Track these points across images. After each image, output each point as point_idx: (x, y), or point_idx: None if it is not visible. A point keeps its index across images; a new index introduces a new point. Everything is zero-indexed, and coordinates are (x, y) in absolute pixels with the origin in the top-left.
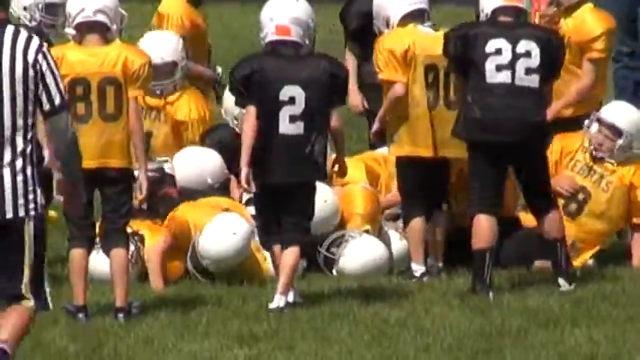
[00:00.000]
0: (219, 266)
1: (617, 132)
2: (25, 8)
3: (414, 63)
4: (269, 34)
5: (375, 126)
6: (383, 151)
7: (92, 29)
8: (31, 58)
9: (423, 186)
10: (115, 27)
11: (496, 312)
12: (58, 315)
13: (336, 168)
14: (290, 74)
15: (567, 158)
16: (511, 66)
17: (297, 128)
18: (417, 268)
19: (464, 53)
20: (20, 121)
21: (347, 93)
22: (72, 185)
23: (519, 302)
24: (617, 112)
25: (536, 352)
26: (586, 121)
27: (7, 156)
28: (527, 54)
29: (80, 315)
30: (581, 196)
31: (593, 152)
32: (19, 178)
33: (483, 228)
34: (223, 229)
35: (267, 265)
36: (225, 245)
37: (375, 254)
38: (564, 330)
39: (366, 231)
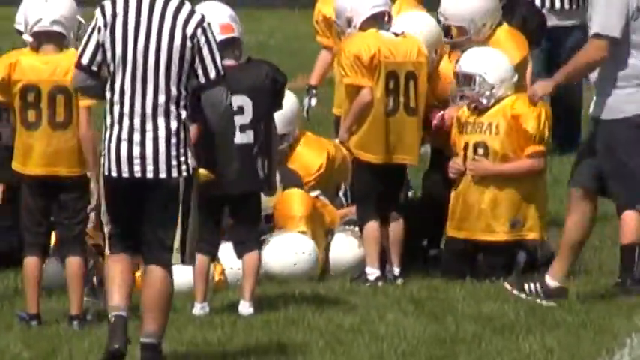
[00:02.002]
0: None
1: (468, 78)
2: None
3: (378, 69)
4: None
5: (343, 137)
6: None
7: (49, 38)
8: (189, 31)
9: (376, 190)
10: (71, 36)
11: (450, 318)
12: (12, 321)
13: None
14: (236, 84)
15: (457, 124)
16: None
17: (246, 138)
18: (372, 272)
19: None
20: (174, 89)
21: (284, 97)
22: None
23: (474, 308)
24: (464, 58)
25: (490, 359)
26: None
27: (161, 121)
28: None
29: (33, 322)
30: (481, 152)
31: (470, 106)
32: (173, 141)
33: (629, 223)
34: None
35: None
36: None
37: (298, 248)
38: (519, 336)
39: (302, 232)
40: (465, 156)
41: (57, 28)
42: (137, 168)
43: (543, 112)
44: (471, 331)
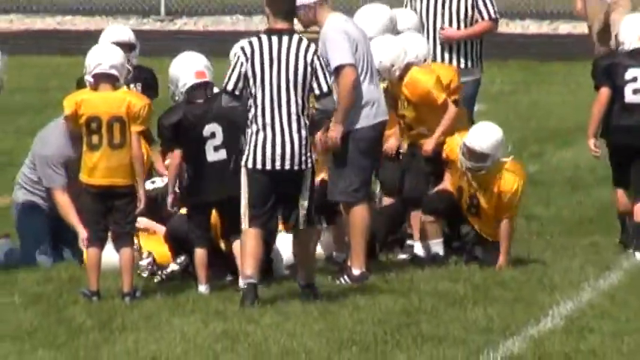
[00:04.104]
0: None
1: (481, 157)
2: None
3: None
4: (189, 81)
5: None
6: None
7: (106, 79)
8: (309, 58)
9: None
10: (122, 78)
11: (414, 294)
12: (77, 297)
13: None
14: (207, 115)
15: (453, 162)
16: None
17: (221, 154)
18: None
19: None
20: (301, 101)
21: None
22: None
23: (432, 286)
24: (475, 136)
25: (445, 326)
26: (457, 149)
27: (295, 125)
28: None
29: (94, 298)
30: (475, 202)
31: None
32: (303, 142)
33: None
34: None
35: None
36: None
37: None
38: (467, 308)
39: None
40: (461, 197)
41: (113, 71)
42: (278, 163)
43: (520, 188)
44: (430, 304)
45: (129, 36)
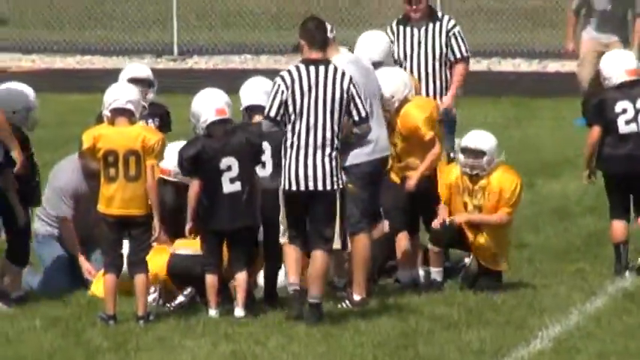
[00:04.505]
0: None
1: (480, 153)
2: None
3: None
4: (209, 117)
5: None
6: None
7: (122, 114)
8: (345, 86)
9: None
10: (138, 114)
11: (411, 318)
12: (95, 320)
13: None
14: (225, 149)
15: (452, 188)
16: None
17: (236, 186)
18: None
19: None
20: (335, 127)
21: (262, 153)
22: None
23: (429, 310)
24: (475, 138)
25: (441, 348)
26: (451, 154)
27: (328, 149)
28: None
29: (111, 321)
30: (477, 211)
31: (468, 174)
32: (333, 164)
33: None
34: None
35: None
36: None
37: None
38: (461, 331)
39: None
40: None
41: (129, 106)
42: (311, 183)
43: (519, 186)
44: (426, 327)
45: (147, 73)
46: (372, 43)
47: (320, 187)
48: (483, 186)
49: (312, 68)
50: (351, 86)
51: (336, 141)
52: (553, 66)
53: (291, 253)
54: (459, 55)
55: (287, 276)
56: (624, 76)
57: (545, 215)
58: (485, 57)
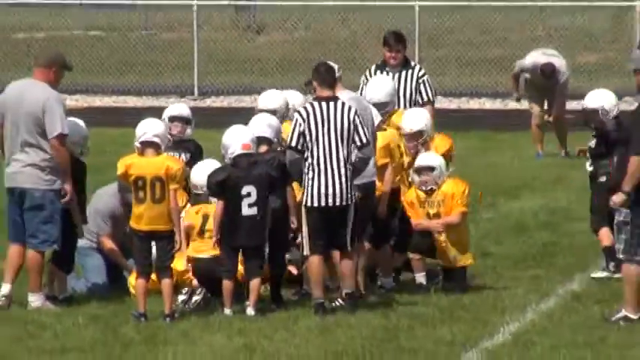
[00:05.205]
0: None
1: (429, 169)
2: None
3: None
4: (237, 150)
5: None
6: None
7: (150, 146)
8: (351, 117)
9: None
10: (163, 145)
11: (394, 315)
12: (129, 318)
13: None
14: (247, 178)
15: (413, 204)
16: None
17: (253, 210)
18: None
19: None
20: (346, 152)
21: (280, 183)
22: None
23: (409, 309)
24: (425, 158)
25: (418, 341)
26: (410, 178)
27: (343, 170)
28: None
29: (142, 318)
30: (437, 218)
31: (424, 190)
32: (349, 183)
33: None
34: None
35: None
36: None
37: None
38: (435, 326)
39: None
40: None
41: (155, 139)
42: (330, 200)
43: (466, 189)
44: (407, 324)
45: (187, 112)
46: (380, 85)
47: (337, 203)
48: (438, 196)
49: (323, 104)
50: (356, 117)
51: (348, 164)
52: (512, 105)
53: (314, 267)
54: (426, 99)
55: (312, 290)
56: (616, 110)
57: (506, 229)
58: (455, 97)
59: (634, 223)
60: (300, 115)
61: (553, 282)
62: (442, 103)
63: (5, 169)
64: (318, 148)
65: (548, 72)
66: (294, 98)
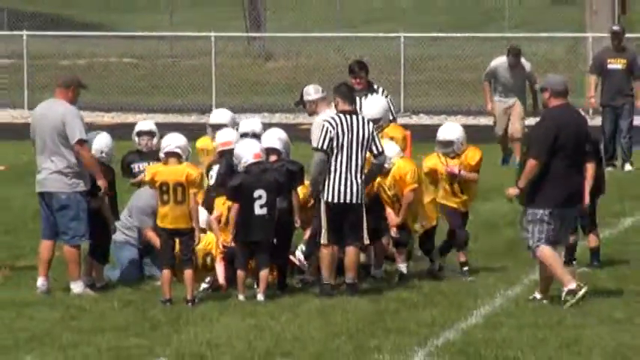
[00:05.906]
0: None
1: (449, 143)
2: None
3: None
4: (249, 159)
5: None
6: None
7: (172, 156)
8: (370, 129)
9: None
10: (184, 156)
11: (383, 300)
12: (157, 303)
13: None
14: (258, 183)
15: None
16: None
17: (263, 211)
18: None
19: None
20: (363, 157)
21: (287, 188)
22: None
23: (395, 294)
24: (444, 130)
25: (403, 322)
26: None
27: (359, 174)
28: None
29: (167, 303)
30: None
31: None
32: (361, 184)
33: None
34: None
35: None
36: None
37: None
38: (419, 309)
39: None
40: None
41: (177, 150)
42: (348, 197)
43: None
44: (393, 307)
45: (153, 127)
46: (374, 105)
47: (354, 200)
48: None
49: (347, 117)
50: (372, 129)
51: (362, 168)
52: (483, 121)
53: (327, 255)
54: (390, 117)
55: (323, 273)
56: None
57: (480, 227)
58: (435, 114)
59: (527, 217)
60: (330, 123)
61: (518, 272)
62: (424, 119)
63: (36, 177)
64: (341, 153)
65: (515, 50)
66: (253, 122)
